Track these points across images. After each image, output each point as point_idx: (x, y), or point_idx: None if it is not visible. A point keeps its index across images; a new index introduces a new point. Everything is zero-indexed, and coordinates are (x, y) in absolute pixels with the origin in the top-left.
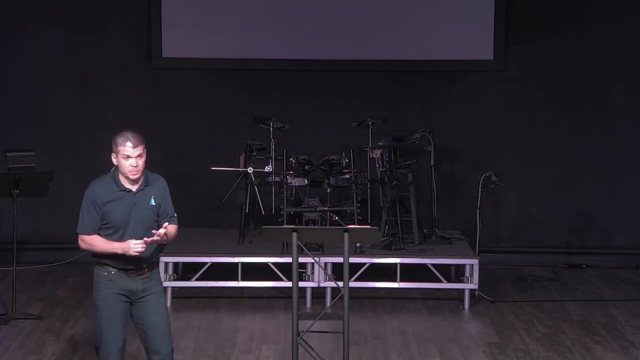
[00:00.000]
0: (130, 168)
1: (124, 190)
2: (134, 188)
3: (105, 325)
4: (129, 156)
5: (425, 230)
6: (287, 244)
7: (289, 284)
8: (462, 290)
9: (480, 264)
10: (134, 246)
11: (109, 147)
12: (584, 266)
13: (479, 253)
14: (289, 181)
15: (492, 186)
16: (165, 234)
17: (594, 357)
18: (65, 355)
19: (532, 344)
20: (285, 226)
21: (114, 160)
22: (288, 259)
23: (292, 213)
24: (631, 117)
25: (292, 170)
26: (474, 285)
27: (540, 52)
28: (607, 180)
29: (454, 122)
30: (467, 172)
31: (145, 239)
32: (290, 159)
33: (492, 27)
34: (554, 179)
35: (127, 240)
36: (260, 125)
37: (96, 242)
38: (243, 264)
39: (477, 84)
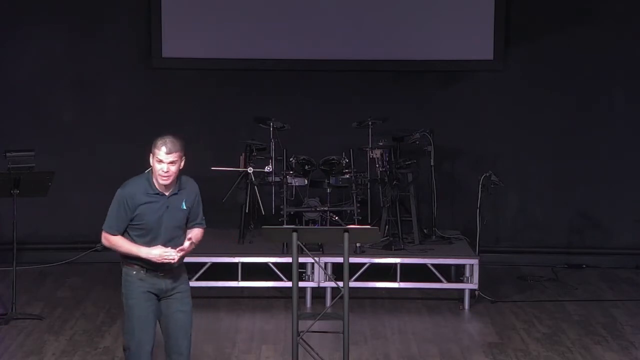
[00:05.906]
0: (161, 173)
1: (157, 194)
2: (167, 192)
3: (139, 324)
4: (162, 161)
5: (425, 230)
6: (287, 244)
7: (289, 284)
8: (462, 290)
9: (480, 264)
10: (166, 254)
11: (109, 147)
12: (584, 266)
13: (479, 253)
14: (289, 181)
15: (492, 186)
16: (193, 242)
17: (594, 357)
18: (65, 355)
19: (532, 344)
20: (285, 226)
21: (151, 161)
22: (288, 259)
23: (292, 213)
24: (631, 118)
25: (292, 170)
26: (474, 285)
27: (540, 52)
28: (607, 180)
29: (454, 122)
30: (467, 172)
31: (178, 250)
32: (290, 159)
33: (492, 27)
34: (554, 179)
35: (157, 244)
36: (260, 125)
37: (120, 244)
38: (243, 264)
39: (477, 84)
